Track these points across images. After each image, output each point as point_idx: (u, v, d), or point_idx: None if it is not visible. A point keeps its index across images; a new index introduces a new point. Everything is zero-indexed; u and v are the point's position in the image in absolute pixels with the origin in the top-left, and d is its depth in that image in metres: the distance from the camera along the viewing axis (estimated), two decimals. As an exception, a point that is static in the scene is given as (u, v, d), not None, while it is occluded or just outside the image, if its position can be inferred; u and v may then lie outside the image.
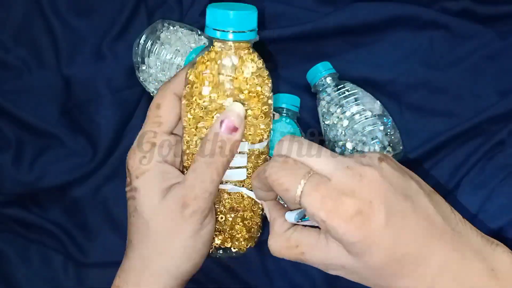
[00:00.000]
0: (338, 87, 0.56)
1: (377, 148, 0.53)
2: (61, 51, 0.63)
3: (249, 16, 0.34)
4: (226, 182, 0.39)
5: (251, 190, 0.39)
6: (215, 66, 0.35)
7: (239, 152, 0.37)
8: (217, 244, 0.41)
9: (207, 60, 0.36)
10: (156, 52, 0.57)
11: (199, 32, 0.59)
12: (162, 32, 0.58)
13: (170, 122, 0.39)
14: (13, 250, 0.62)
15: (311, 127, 0.60)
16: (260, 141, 0.37)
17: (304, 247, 0.34)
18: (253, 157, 0.38)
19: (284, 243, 0.35)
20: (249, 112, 0.36)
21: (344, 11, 0.60)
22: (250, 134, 0.37)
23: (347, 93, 0.56)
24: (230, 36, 0.34)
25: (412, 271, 0.31)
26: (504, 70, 0.59)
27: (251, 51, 0.37)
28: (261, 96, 0.36)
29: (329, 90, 0.57)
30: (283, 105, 0.57)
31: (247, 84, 0.36)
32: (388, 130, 0.54)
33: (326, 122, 0.56)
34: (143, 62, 0.58)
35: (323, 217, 0.30)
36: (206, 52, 0.36)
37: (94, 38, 0.64)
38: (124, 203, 0.41)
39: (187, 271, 0.38)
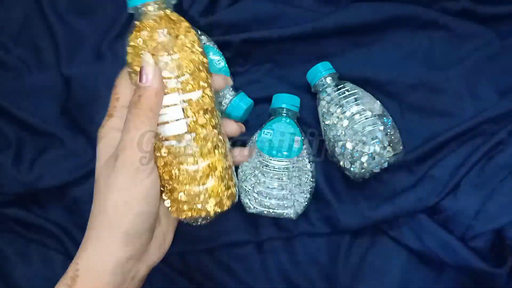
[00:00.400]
0: (338, 87, 0.56)
1: (377, 148, 0.53)
2: (61, 51, 0.63)
3: None
4: (168, 139, 0.39)
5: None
6: (142, 33, 0.38)
7: (172, 105, 0.38)
8: (184, 209, 0.40)
9: (135, 31, 0.38)
10: (156, 52, 0.57)
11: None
12: (162, 32, 0.58)
13: (125, 97, 0.42)
14: (13, 250, 0.62)
15: (311, 127, 0.60)
16: (191, 91, 0.38)
17: None
18: (192, 108, 0.39)
19: None
20: (180, 62, 0.38)
21: (344, 11, 0.60)
22: (181, 85, 0.38)
23: (347, 93, 0.56)
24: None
25: None
26: (504, 70, 0.59)
27: (169, 11, 0.39)
28: (185, 48, 0.38)
29: (329, 90, 0.57)
30: (283, 105, 0.57)
31: (169, 42, 0.38)
32: (388, 130, 0.54)
33: (326, 122, 0.56)
34: (143, 62, 0.58)
35: None
36: (134, 24, 0.39)
37: (94, 38, 0.64)
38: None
39: (131, 223, 0.38)
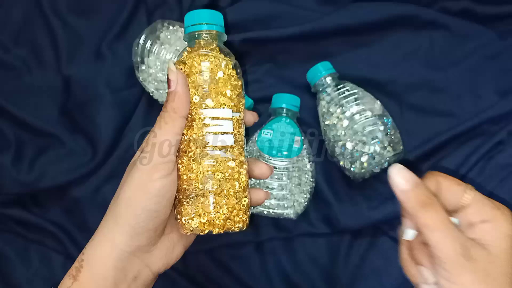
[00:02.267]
0: (338, 87, 0.56)
1: (377, 148, 0.53)
2: (61, 51, 0.64)
3: (215, 14, 0.42)
4: (215, 148, 0.41)
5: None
6: (194, 58, 0.41)
7: (228, 118, 0.41)
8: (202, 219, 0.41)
9: (186, 57, 0.42)
10: (155, 52, 0.57)
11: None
12: (161, 32, 0.58)
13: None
14: (13, 250, 0.62)
15: (311, 127, 0.60)
16: (238, 111, 0.43)
17: None
18: (237, 126, 0.42)
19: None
20: (229, 92, 0.41)
21: (344, 11, 0.60)
22: (232, 103, 0.42)
23: (347, 93, 0.56)
24: (204, 26, 0.42)
25: None
26: (504, 70, 0.59)
27: (219, 46, 0.43)
28: (231, 79, 0.42)
29: (329, 90, 0.57)
30: (283, 105, 0.57)
31: (219, 71, 0.41)
32: (388, 130, 0.54)
33: (326, 122, 0.56)
34: (142, 62, 0.58)
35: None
36: (186, 50, 0.42)
37: (94, 38, 0.64)
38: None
39: (136, 218, 0.39)
